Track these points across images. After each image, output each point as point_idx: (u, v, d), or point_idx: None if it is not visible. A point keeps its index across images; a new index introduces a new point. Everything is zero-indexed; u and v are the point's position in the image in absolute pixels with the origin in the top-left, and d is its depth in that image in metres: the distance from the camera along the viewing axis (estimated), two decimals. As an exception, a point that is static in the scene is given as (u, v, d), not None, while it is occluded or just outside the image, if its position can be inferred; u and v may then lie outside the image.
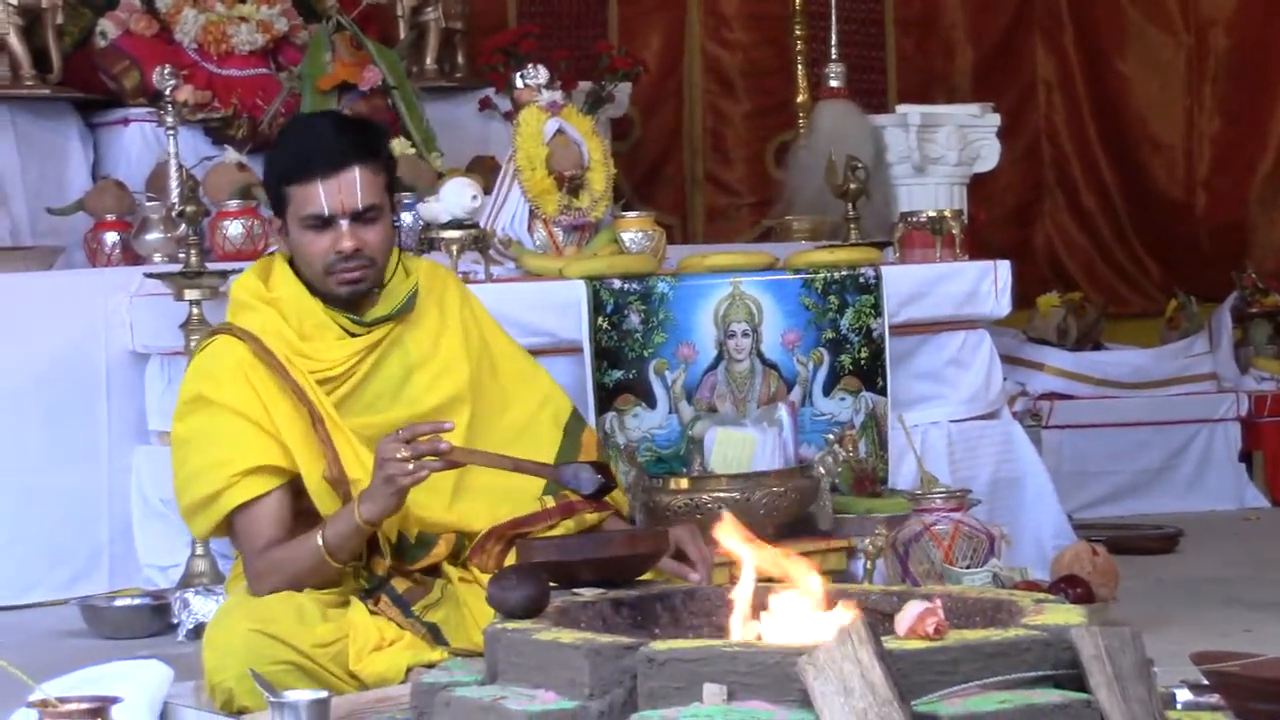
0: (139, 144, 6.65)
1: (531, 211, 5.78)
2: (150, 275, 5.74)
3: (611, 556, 3.47)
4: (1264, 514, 7.30)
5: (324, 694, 3.28)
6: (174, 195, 5.88)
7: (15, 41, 6.53)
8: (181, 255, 5.68)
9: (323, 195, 4.00)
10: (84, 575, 5.75)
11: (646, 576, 3.57)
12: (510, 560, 3.91)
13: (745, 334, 5.51)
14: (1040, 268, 9.22)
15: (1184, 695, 3.34)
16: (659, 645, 2.94)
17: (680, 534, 3.93)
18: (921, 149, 6.92)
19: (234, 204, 6.17)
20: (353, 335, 4.09)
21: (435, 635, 3.97)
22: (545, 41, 7.63)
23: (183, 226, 5.65)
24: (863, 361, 5.61)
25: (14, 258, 6.15)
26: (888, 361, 5.64)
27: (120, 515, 5.77)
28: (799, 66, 8.19)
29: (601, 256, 5.64)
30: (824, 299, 5.59)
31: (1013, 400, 6.88)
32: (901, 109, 7.10)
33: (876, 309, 5.63)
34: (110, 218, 6.30)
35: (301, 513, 3.99)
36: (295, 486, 3.99)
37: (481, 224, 5.65)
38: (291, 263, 4.11)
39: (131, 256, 6.22)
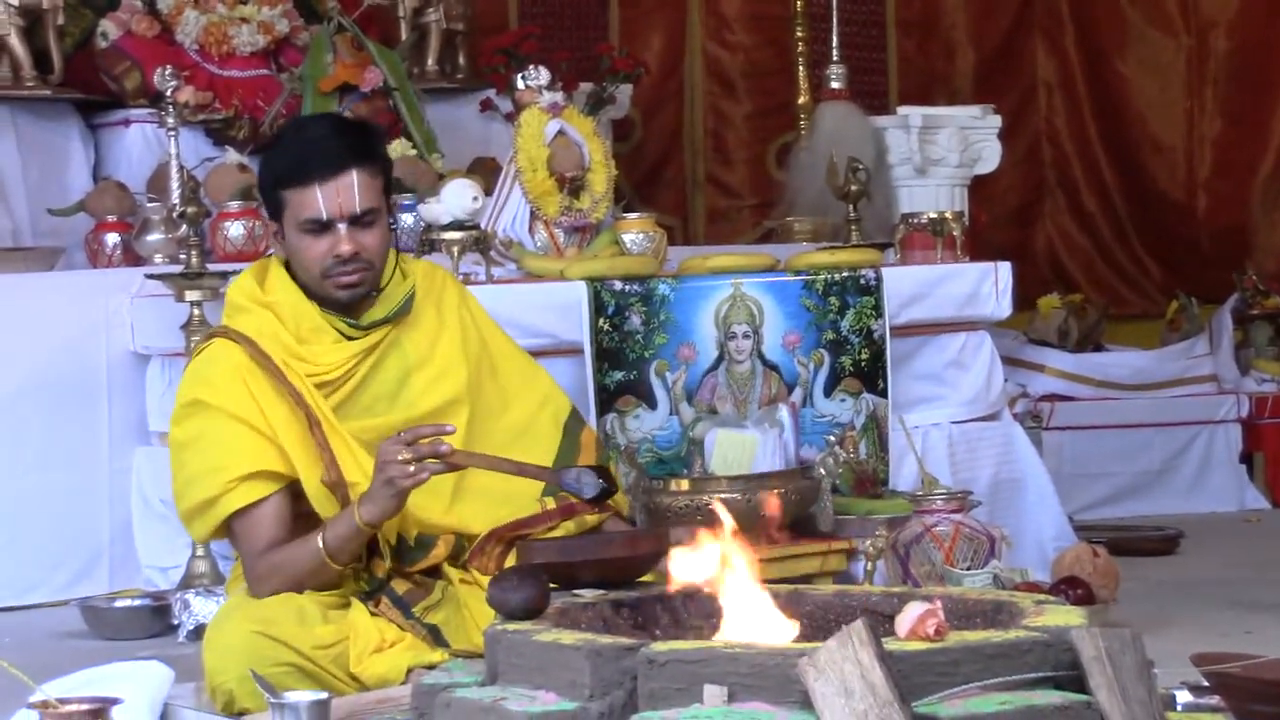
0: (140, 145, 6.65)
1: (532, 213, 5.78)
2: (151, 276, 5.73)
3: (612, 558, 3.47)
4: (1265, 515, 7.30)
5: (324, 695, 3.28)
6: (175, 196, 5.87)
7: (16, 42, 6.52)
8: (182, 256, 5.68)
9: (321, 199, 3.99)
10: (84, 576, 5.74)
11: (647, 578, 3.57)
12: (510, 562, 3.91)
13: (746, 335, 5.50)
14: (1041, 269, 9.22)
15: (1184, 697, 3.34)
16: (659, 646, 2.94)
17: (681, 535, 3.92)
18: (922, 150, 6.92)
19: (235, 205, 6.17)
20: (350, 338, 4.09)
21: (436, 637, 3.97)
22: (546, 43, 7.63)
23: (184, 227, 5.65)
24: (863, 363, 5.60)
25: (15, 258, 6.14)
26: (888, 363, 5.63)
27: (121, 516, 5.76)
28: (800, 68, 8.19)
29: (602, 258, 5.64)
30: (825, 300, 5.59)
31: (1013, 402, 6.88)
32: (902, 110, 7.10)
33: (877, 310, 5.62)
34: (111, 219, 6.30)
35: (301, 515, 3.99)
36: (294, 489, 3.98)
37: (482, 225, 5.64)
38: (287, 266, 4.10)
39: (132, 257, 6.22)
